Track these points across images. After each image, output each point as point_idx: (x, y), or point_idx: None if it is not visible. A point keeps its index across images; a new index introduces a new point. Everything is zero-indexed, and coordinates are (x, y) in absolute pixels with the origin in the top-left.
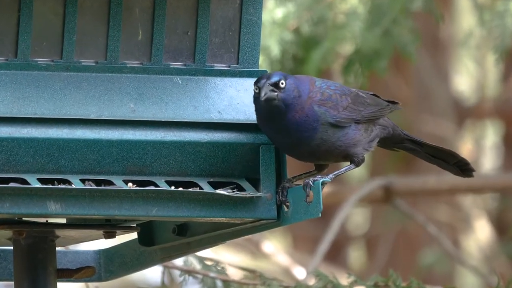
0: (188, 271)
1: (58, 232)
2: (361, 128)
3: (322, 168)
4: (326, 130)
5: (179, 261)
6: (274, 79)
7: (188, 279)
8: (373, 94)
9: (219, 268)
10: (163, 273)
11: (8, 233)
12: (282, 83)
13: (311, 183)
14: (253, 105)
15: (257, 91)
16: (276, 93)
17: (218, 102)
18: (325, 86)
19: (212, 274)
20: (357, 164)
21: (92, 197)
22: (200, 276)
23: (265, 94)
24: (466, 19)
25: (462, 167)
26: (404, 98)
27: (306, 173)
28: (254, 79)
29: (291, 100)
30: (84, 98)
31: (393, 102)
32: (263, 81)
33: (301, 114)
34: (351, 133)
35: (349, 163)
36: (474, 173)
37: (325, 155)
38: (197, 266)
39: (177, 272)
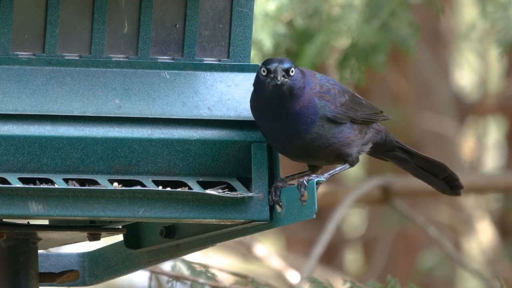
0: (176, 277)
1: (40, 234)
2: (356, 128)
3: (315, 169)
4: (322, 124)
5: (167, 267)
6: (286, 65)
7: (176, 285)
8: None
9: (208, 273)
10: (150, 278)
11: None
12: (292, 71)
13: (305, 182)
14: (245, 102)
15: (264, 73)
16: (286, 80)
17: (208, 98)
18: (324, 79)
19: (201, 280)
20: (352, 164)
21: (75, 197)
22: (188, 282)
23: (280, 78)
24: (467, 11)
25: (451, 183)
26: (403, 94)
27: (300, 173)
28: (246, 74)
29: (297, 90)
30: (68, 93)
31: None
32: (274, 64)
33: (302, 105)
34: (346, 131)
35: (342, 164)
36: (462, 190)
37: (318, 152)
38: (185, 271)
39: (165, 278)
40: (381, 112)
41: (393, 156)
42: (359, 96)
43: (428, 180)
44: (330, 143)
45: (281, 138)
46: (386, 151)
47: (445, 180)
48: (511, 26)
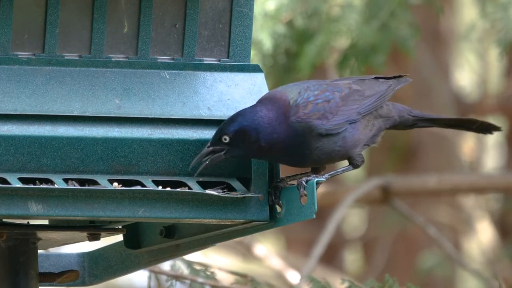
0: (176, 276)
1: (40, 234)
2: (359, 126)
3: (317, 170)
4: (320, 139)
5: (166, 266)
6: (212, 139)
7: (176, 284)
8: (375, 77)
9: (208, 273)
10: (150, 278)
11: None
12: (225, 139)
13: (304, 182)
14: (245, 102)
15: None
16: (220, 154)
17: (207, 98)
18: (306, 95)
19: (200, 279)
20: (355, 167)
21: (75, 197)
22: (188, 281)
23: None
24: (467, 11)
25: (484, 129)
26: (403, 94)
27: (300, 173)
28: (246, 74)
29: (249, 148)
30: (67, 93)
31: (398, 77)
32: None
33: (285, 137)
34: (348, 136)
35: (347, 163)
36: (497, 132)
37: (327, 160)
38: (185, 270)
39: (164, 277)
40: (390, 85)
41: (416, 127)
42: (358, 87)
43: (459, 130)
44: (335, 151)
45: (290, 162)
46: (405, 127)
47: (477, 128)
48: (511, 26)
